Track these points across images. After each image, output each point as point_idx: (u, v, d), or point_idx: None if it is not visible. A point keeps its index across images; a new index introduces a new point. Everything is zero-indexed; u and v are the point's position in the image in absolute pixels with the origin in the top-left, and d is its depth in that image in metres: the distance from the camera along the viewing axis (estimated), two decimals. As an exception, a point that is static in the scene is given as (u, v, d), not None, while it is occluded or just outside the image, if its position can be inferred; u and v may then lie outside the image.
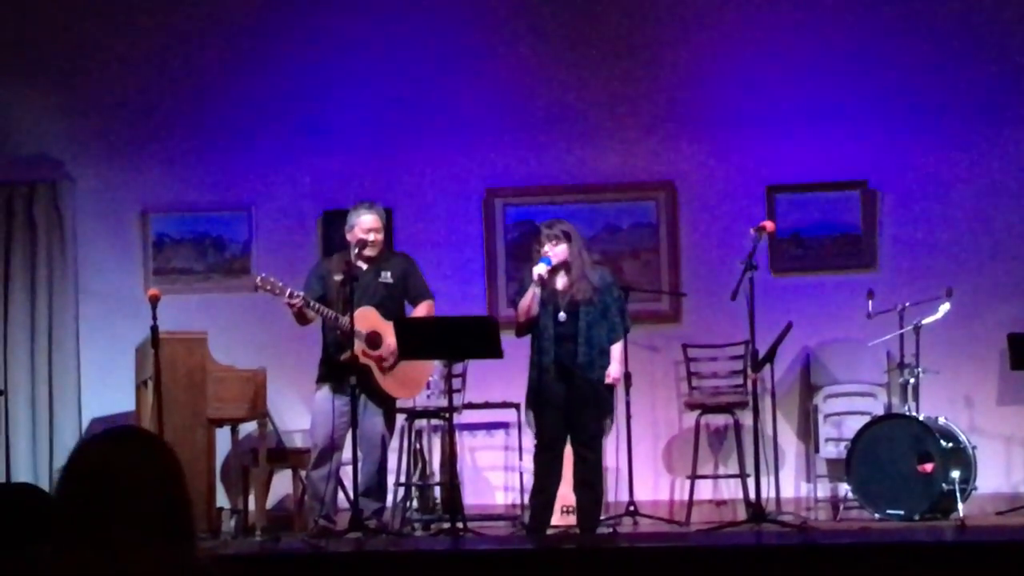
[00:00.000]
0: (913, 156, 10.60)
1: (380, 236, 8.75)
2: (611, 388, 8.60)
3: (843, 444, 9.81)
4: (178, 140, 10.94)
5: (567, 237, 8.49)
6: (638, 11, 10.87)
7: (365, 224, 8.69)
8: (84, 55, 10.97)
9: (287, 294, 8.46)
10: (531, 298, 8.43)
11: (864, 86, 10.65)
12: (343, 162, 10.81)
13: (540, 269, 8.34)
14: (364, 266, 8.68)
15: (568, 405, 8.42)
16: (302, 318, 8.61)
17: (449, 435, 8.95)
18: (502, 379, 9.81)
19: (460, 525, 8.54)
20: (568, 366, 8.42)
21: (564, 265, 8.49)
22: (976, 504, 9.56)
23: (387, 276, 8.77)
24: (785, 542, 7.61)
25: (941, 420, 9.54)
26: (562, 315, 8.44)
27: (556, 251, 8.44)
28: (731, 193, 10.67)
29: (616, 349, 8.55)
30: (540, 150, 10.81)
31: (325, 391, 8.66)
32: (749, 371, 9.26)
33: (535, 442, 8.64)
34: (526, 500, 9.72)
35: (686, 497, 10.07)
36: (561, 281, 8.51)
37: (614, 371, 8.50)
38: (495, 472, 10.70)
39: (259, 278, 8.61)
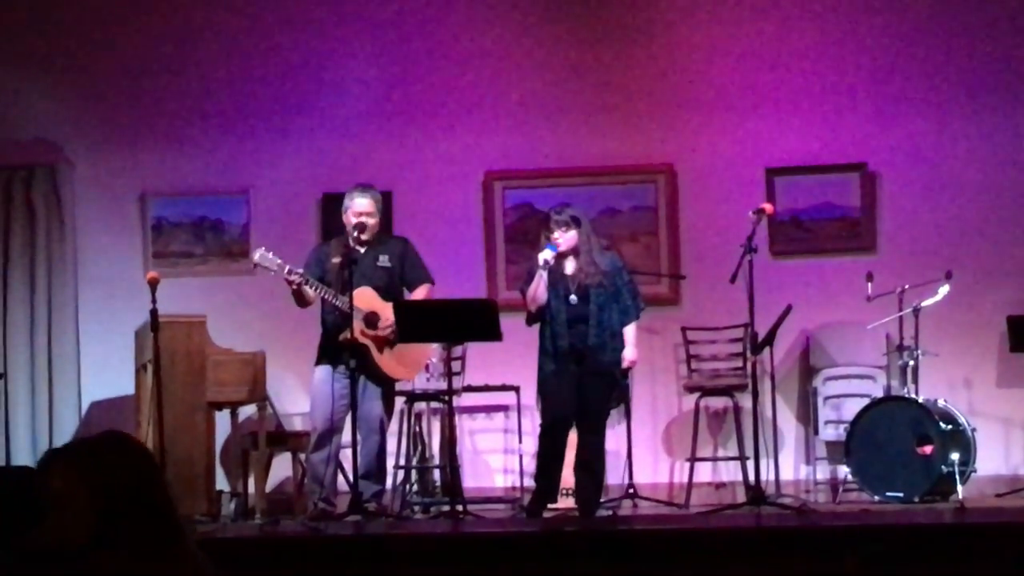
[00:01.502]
0: (912, 139, 10.59)
1: (373, 220, 8.75)
2: (626, 373, 8.66)
3: (842, 426, 9.82)
4: (177, 124, 10.93)
5: (576, 223, 8.57)
6: (638, -6, 10.88)
7: (357, 207, 8.71)
8: (82, 39, 10.95)
9: (285, 271, 8.47)
10: (538, 284, 8.47)
11: (863, 68, 10.65)
12: (342, 145, 10.80)
13: (546, 255, 8.41)
14: (362, 249, 8.69)
15: (579, 387, 8.46)
16: (301, 298, 8.62)
17: (449, 418, 8.95)
18: (502, 362, 9.82)
19: (460, 508, 8.55)
20: (580, 348, 8.47)
21: (573, 251, 8.55)
22: (975, 486, 9.57)
23: (385, 260, 8.78)
24: (784, 524, 7.62)
25: (940, 402, 9.55)
26: (573, 298, 8.49)
27: (565, 237, 8.50)
28: (731, 176, 10.66)
29: (630, 332, 8.62)
30: (540, 133, 10.80)
31: (324, 373, 8.66)
32: (748, 354, 9.26)
33: (540, 424, 8.66)
34: (526, 483, 9.75)
35: (685, 479, 10.08)
36: (570, 266, 8.57)
37: (630, 354, 8.60)
38: (494, 455, 10.70)
39: (258, 254, 8.60)
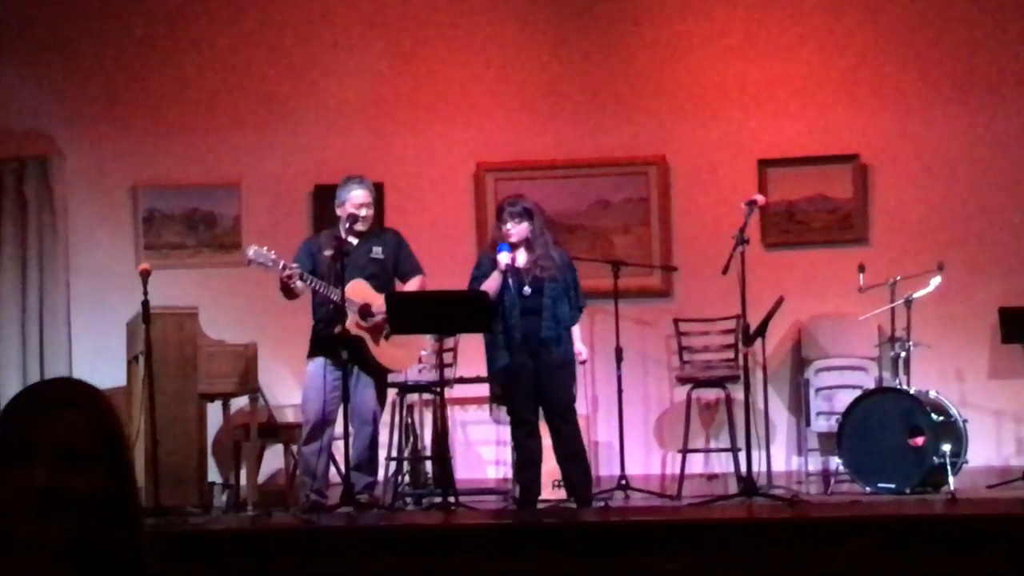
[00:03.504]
0: (905, 130, 10.59)
1: (371, 211, 8.76)
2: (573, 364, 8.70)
3: (834, 418, 9.82)
4: (168, 115, 10.91)
5: (528, 215, 8.60)
6: (629, -15, 10.87)
7: (356, 199, 8.70)
8: (75, 31, 10.93)
9: (280, 266, 8.46)
10: (496, 285, 8.47)
11: (855, 60, 10.65)
12: (334, 137, 10.79)
13: (504, 259, 8.46)
14: (354, 241, 8.68)
15: (537, 380, 8.48)
16: (290, 292, 8.60)
17: (441, 409, 8.96)
18: (494, 354, 9.83)
19: (451, 499, 8.56)
20: (534, 341, 8.48)
21: (525, 243, 8.57)
22: (967, 477, 9.57)
23: (377, 252, 8.78)
24: (776, 516, 7.63)
25: (932, 394, 9.56)
26: (527, 290, 8.51)
27: (518, 229, 8.54)
28: (723, 167, 10.66)
29: (577, 329, 8.76)
30: (531, 125, 10.80)
31: (316, 365, 8.66)
32: (740, 345, 9.27)
33: (509, 419, 8.68)
34: (517, 474, 9.76)
35: (677, 471, 10.07)
36: (522, 258, 8.57)
37: (584, 350, 8.67)
38: (486, 446, 10.70)
39: (252, 251, 8.59)
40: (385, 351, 8.67)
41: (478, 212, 10.79)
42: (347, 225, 8.63)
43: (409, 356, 8.95)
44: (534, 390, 8.52)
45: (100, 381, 10.32)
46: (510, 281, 8.50)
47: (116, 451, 2.40)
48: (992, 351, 10.36)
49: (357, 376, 8.59)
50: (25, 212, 10.82)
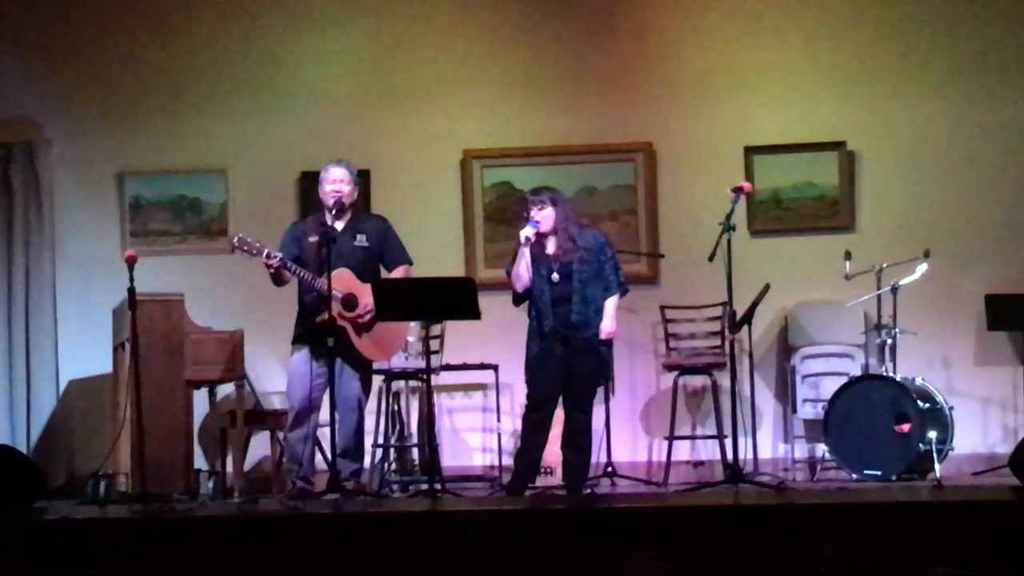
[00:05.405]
0: (892, 117, 10.60)
1: (348, 188, 8.75)
2: (608, 345, 8.64)
3: (820, 405, 9.83)
4: (155, 102, 10.88)
5: (553, 202, 8.63)
6: (616, -28, 10.85)
7: (332, 176, 8.72)
8: (60, 18, 10.90)
9: (264, 254, 8.45)
10: (520, 262, 8.48)
11: (842, 47, 10.65)
12: (320, 123, 10.77)
13: (527, 232, 8.46)
14: (339, 227, 8.67)
15: (565, 365, 8.48)
16: (279, 279, 8.61)
17: (427, 396, 8.95)
18: (480, 340, 9.83)
19: (438, 486, 8.56)
20: (565, 327, 8.47)
21: (552, 230, 8.57)
22: (953, 464, 9.60)
23: (363, 239, 8.77)
24: (763, 503, 7.64)
25: (918, 381, 9.57)
26: (555, 276, 8.51)
27: (542, 215, 8.53)
28: (709, 154, 10.66)
29: (610, 305, 8.66)
30: (518, 112, 10.79)
31: (302, 353, 8.66)
32: (727, 332, 9.28)
33: (526, 402, 8.66)
34: (504, 461, 9.77)
35: (664, 458, 10.07)
36: (551, 245, 8.58)
37: (606, 326, 8.59)
38: (473, 433, 10.70)
39: (236, 238, 8.62)
40: (367, 343, 8.66)
41: (465, 199, 10.77)
42: (333, 211, 8.63)
43: (391, 348, 8.94)
44: (560, 376, 8.52)
45: (86, 368, 10.45)
46: (529, 267, 8.50)
47: None
48: (978, 338, 10.37)
49: (341, 365, 8.58)
50: (11, 198, 10.79)
